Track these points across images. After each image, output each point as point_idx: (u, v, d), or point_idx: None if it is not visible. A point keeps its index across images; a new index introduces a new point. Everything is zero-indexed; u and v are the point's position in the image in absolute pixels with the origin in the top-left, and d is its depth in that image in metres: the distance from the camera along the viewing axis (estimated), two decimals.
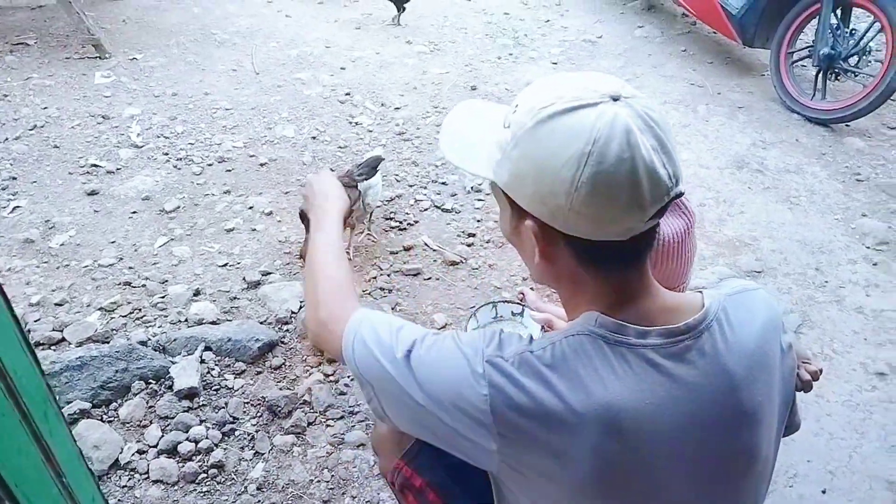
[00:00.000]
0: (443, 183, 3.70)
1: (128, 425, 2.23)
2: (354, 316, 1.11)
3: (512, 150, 0.93)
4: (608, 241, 0.91)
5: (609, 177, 0.85)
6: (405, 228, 3.34)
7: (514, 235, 1.03)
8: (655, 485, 0.93)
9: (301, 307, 2.75)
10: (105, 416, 2.25)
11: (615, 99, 0.87)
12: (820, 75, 4.44)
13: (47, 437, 0.74)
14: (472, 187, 3.65)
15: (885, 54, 3.94)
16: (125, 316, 2.67)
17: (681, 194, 0.91)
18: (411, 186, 3.67)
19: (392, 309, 2.82)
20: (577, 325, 0.97)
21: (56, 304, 2.73)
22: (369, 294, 2.90)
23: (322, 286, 1.23)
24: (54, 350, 2.49)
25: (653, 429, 0.92)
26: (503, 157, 0.95)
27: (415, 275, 3.05)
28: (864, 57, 4.33)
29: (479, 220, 3.42)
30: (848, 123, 4.33)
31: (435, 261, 3.15)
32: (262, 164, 3.77)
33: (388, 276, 3.03)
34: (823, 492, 2.21)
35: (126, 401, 2.29)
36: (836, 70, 4.40)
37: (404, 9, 5.62)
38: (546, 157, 0.88)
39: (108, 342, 2.50)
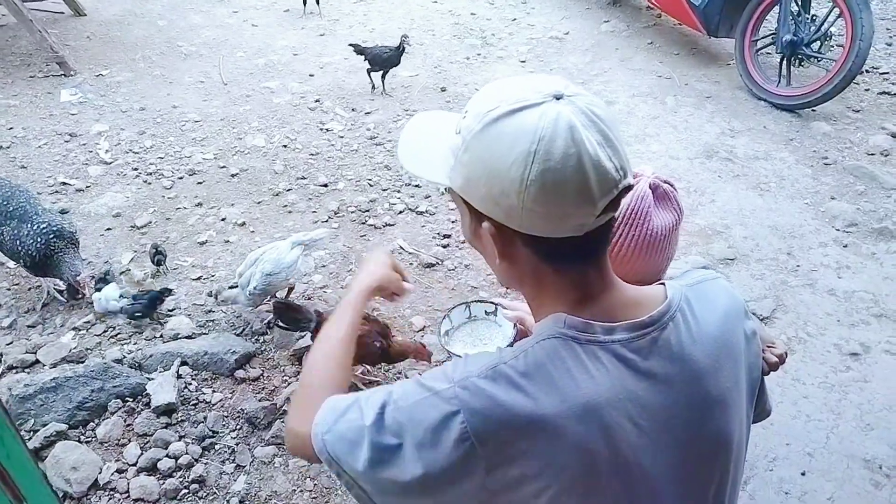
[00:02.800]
0: (416, 186, 3.70)
1: (106, 445, 2.20)
2: (320, 410, 1.07)
3: (463, 155, 0.94)
4: (564, 237, 0.92)
5: (556, 173, 0.86)
6: (381, 232, 3.34)
7: (474, 239, 1.04)
8: (638, 475, 0.95)
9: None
10: (82, 437, 2.23)
11: (558, 98, 0.89)
12: (784, 62, 4.50)
13: (4, 461, 0.73)
14: (445, 189, 3.64)
15: (846, 39, 4.00)
16: (99, 335, 2.64)
17: (630, 187, 0.91)
18: (385, 190, 3.67)
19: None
20: (545, 328, 0.97)
21: (29, 326, 2.70)
22: None
23: (299, 393, 1.22)
24: (28, 373, 2.46)
25: (630, 422, 0.93)
26: (456, 162, 0.96)
27: None
28: (826, 42, 4.39)
29: (453, 222, 3.42)
30: (814, 108, 4.39)
31: (411, 263, 3.14)
32: (233, 175, 3.75)
33: None
34: (803, 474, 2.24)
35: (103, 420, 2.27)
36: (800, 56, 4.46)
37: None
38: (495, 158, 0.90)
39: (82, 362, 2.47)
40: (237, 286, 2.63)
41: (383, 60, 4.54)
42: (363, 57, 4.58)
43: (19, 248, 2.63)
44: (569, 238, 0.92)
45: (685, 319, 1.00)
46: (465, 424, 0.90)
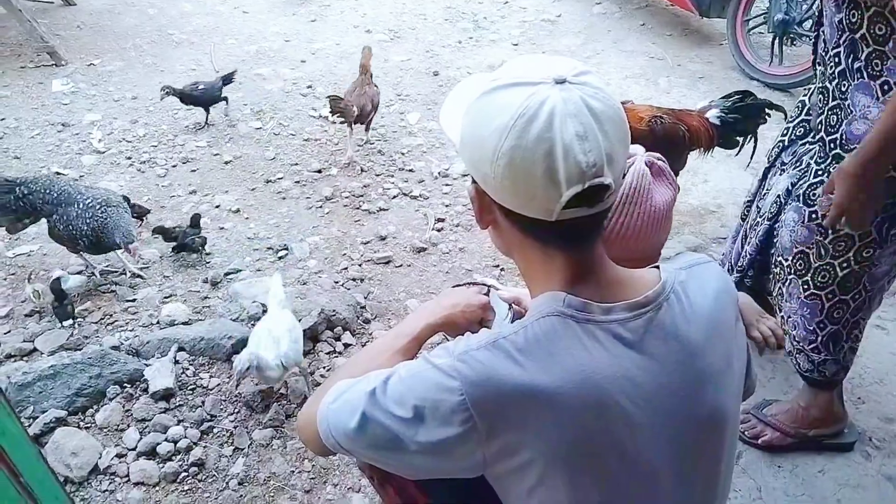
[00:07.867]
0: (410, 170, 3.71)
1: (105, 430, 2.22)
2: (333, 387, 1.10)
3: (464, 117, 0.99)
4: (540, 219, 0.94)
5: (526, 151, 0.89)
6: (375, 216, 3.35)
7: (471, 200, 1.08)
8: (633, 452, 0.97)
9: None
10: (82, 423, 2.24)
11: (559, 82, 0.90)
12: (776, 41, 4.49)
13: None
14: (438, 173, 3.66)
15: None
16: (96, 322, 2.66)
17: (605, 185, 0.91)
18: (378, 175, 3.68)
19: (365, 297, 2.83)
20: (545, 305, 1.00)
21: (26, 315, 2.71)
22: (342, 285, 2.91)
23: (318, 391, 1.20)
24: (26, 361, 2.47)
25: (628, 400, 0.95)
26: (461, 122, 1.01)
27: (386, 263, 3.06)
28: None
29: (447, 205, 3.44)
30: (806, 87, 4.38)
31: (405, 248, 3.16)
32: (226, 162, 3.75)
33: (360, 265, 3.04)
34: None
35: (102, 406, 2.29)
36: (792, 35, 4.46)
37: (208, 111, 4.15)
38: (479, 125, 0.94)
39: (80, 349, 2.48)
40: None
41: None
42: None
43: (74, 233, 2.65)
44: (543, 220, 0.94)
45: (679, 300, 1.03)
46: (463, 396, 0.93)
